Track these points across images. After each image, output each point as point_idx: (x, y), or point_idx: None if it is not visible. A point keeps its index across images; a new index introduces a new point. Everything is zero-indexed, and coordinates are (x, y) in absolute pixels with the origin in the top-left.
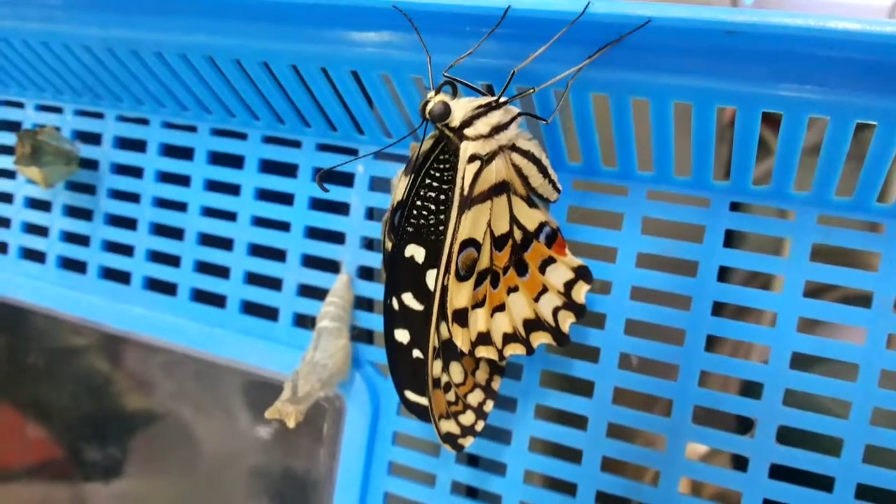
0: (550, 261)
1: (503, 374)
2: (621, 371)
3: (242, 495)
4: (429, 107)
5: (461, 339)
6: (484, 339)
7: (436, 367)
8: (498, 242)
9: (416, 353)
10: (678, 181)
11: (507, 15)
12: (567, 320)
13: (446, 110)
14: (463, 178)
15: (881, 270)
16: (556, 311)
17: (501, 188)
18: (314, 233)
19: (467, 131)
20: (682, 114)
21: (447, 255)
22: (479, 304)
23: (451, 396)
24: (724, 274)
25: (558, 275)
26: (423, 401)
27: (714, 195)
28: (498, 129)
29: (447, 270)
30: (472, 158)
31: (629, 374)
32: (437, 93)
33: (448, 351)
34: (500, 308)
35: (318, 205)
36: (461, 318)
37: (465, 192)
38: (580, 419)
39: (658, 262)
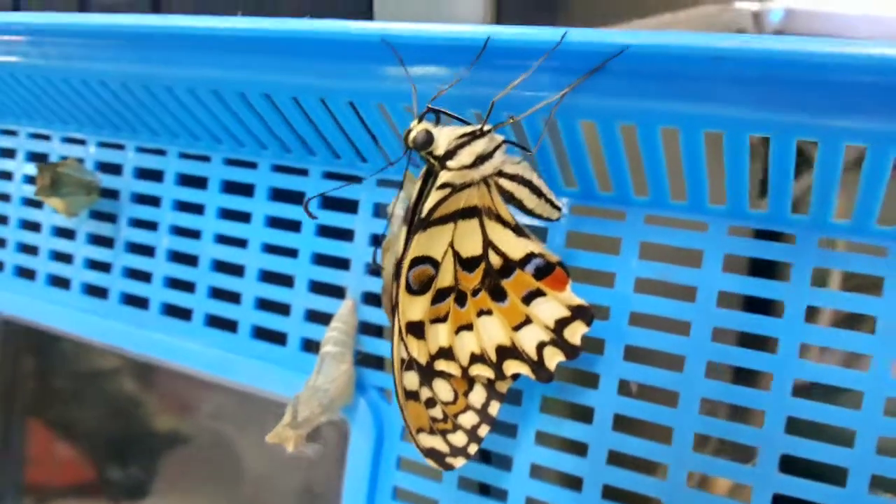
0: (538, 293)
1: (503, 401)
2: (620, 397)
3: None
4: (411, 135)
5: (416, 351)
6: (445, 354)
7: (408, 379)
8: (466, 264)
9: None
10: (675, 206)
11: (487, 46)
12: (555, 358)
13: (429, 138)
14: (424, 202)
15: (885, 295)
16: (541, 346)
17: (470, 213)
18: (321, 259)
19: (450, 163)
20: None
21: (396, 270)
22: (440, 319)
23: (437, 413)
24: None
25: (548, 310)
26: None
27: (712, 219)
28: (483, 158)
29: (397, 283)
30: (443, 186)
31: (629, 400)
32: (419, 121)
33: (433, 369)
34: (468, 328)
35: (324, 232)
36: (416, 330)
37: (423, 215)
38: (580, 446)
39: (657, 287)
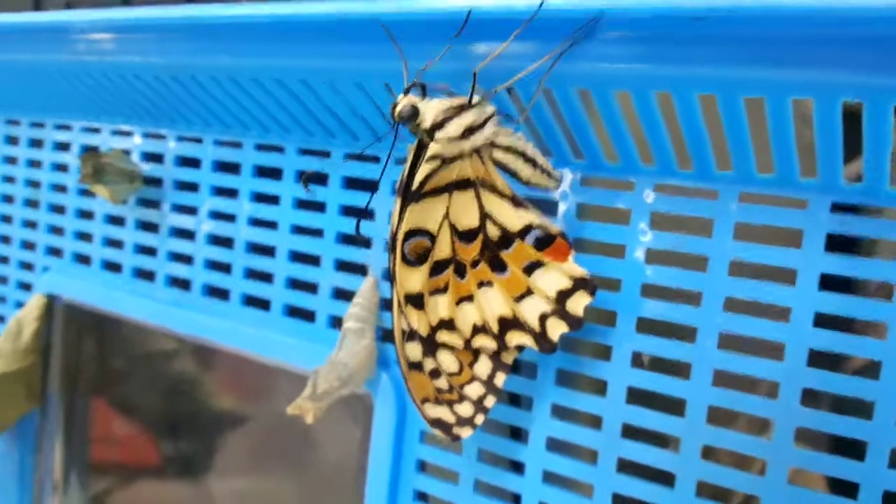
0: (539, 264)
1: (508, 372)
2: (633, 370)
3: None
4: (397, 109)
5: (417, 322)
6: (447, 325)
7: (411, 349)
8: (464, 236)
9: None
10: (683, 174)
11: (469, 19)
12: (557, 329)
13: (414, 112)
14: (413, 175)
15: None
16: (543, 318)
17: (464, 184)
18: (346, 238)
19: (438, 134)
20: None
21: (391, 241)
22: (440, 291)
23: (442, 383)
24: None
25: (549, 280)
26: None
27: (722, 186)
28: (472, 129)
29: (393, 255)
30: (433, 158)
31: (641, 372)
32: (405, 95)
33: (436, 340)
34: (469, 299)
35: (348, 212)
36: (415, 301)
37: (415, 187)
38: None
39: (671, 258)
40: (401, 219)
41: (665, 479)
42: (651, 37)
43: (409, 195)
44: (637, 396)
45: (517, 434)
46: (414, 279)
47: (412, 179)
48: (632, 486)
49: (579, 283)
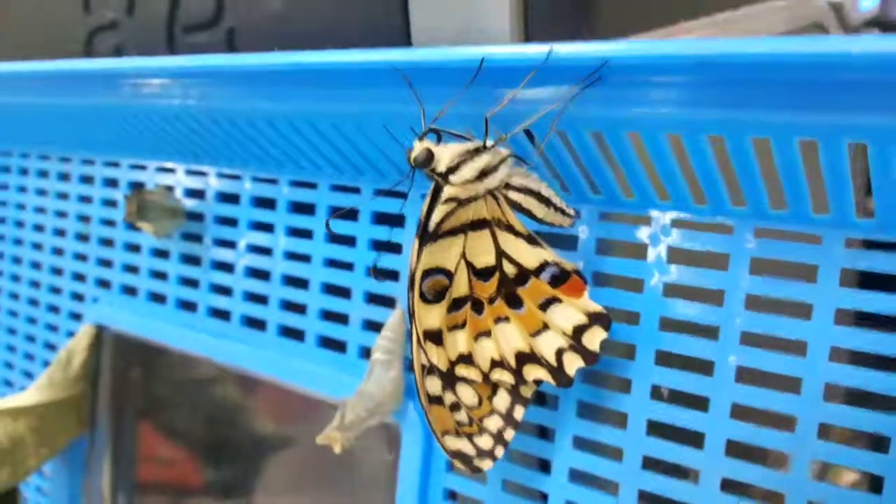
0: (554, 300)
1: (527, 405)
2: (652, 402)
3: None
4: (412, 155)
5: (436, 357)
6: (466, 359)
7: (431, 383)
8: (481, 274)
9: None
10: (698, 209)
11: (482, 66)
12: (574, 364)
13: (429, 157)
14: (431, 216)
15: None
16: (560, 352)
17: (480, 224)
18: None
19: (452, 178)
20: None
21: (409, 280)
22: (458, 326)
23: (461, 416)
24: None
25: (565, 316)
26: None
27: (737, 221)
28: (486, 172)
29: (412, 293)
30: (449, 200)
31: (660, 405)
32: (420, 140)
33: (455, 374)
34: (487, 334)
35: (377, 246)
36: (434, 337)
37: (431, 229)
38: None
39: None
40: (418, 258)
41: None
42: (656, 83)
43: (425, 236)
44: (657, 429)
45: (545, 465)
46: (432, 316)
47: (429, 220)
48: None
49: (595, 319)
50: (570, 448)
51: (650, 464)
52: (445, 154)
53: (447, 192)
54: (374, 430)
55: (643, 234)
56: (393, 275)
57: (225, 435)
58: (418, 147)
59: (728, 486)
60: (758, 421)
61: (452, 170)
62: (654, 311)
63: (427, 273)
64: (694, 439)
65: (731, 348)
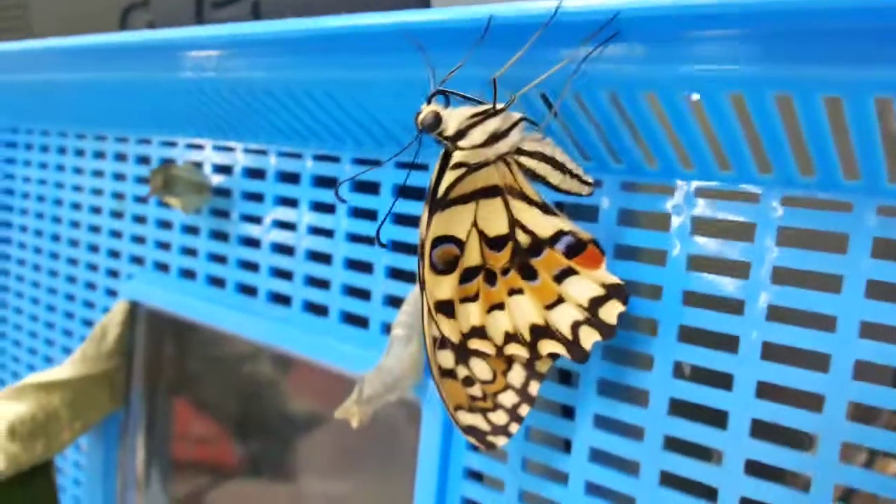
0: (570, 272)
1: (542, 380)
2: (675, 380)
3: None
4: (420, 118)
5: (448, 330)
6: (478, 333)
7: (443, 357)
8: (493, 243)
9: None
10: (723, 176)
11: (490, 25)
12: (591, 338)
13: (437, 120)
14: (441, 182)
15: None
16: (576, 326)
17: (492, 192)
18: (396, 246)
19: (461, 142)
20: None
21: (420, 249)
22: (471, 298)
23: (475, 391)
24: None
25: (581, 288)
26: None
27: (763, 189)
28: (497, 136)
29: (422, 262)
30: (458, 166)
31: (683, 383)
32: (428, 103)
33: (467, 348)
34: (500, 307)
35: (399, 220)
36: (445, 309)
37: (441, 195)
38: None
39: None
40: (428, 227)
41: (708, 493)
42: (670, 37)
43: (435, 203)
44: (679, 408)
45: (568, 445)
46: (443, 287)
47: (439, 187)
48: (673, 500)
49: (612, 291)
50: (590, 427)
51: (672, 444)
52: (454, 117)
53: (456, 157)
54: (407, 409)
55: (666, 204)
56: (414, 248)
57: (260, 413)
58: (426, 110)
59: (753, 468)
60: (785, 400)
61: (461, 134)
62: (677, 285)
63: (437, 242)
64: (718, 419)
65: (756, 324)
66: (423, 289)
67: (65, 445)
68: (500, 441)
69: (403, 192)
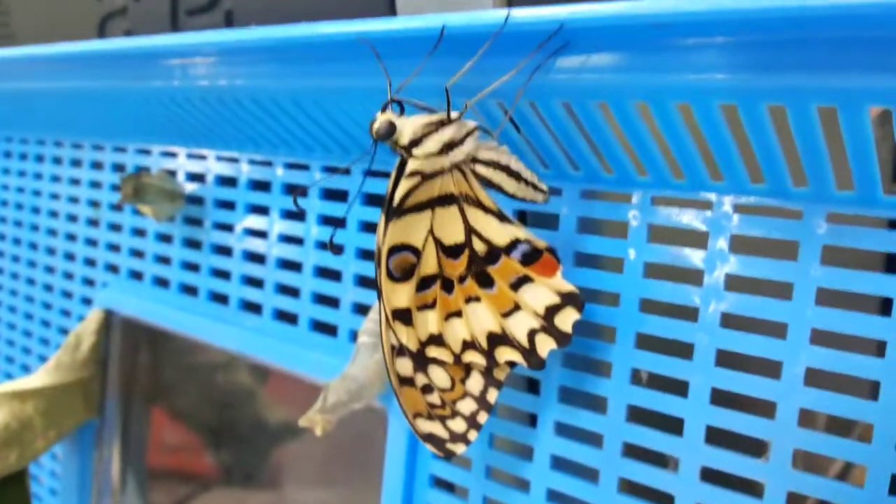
0: (526, 280)
1: (500, 388)
2: (633, 387)
3: None
4: (374, 126)
5: (406, 338)
6: (436, 340)
7: (401, 365)
8: (450, 251)
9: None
10: (677, 185)
11: (444, 34)
12: (546, 346)
13: (391, 129)
14: (396, 191)
15: None
16: (532, 334)
17: (448, 200)
18: (364, 254)
19: (416, 151)
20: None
21: (377, 257)
22: (428, 306)
23: (434, 399)
24: None
25: (537, 296)
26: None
27: (717, 196)
28: (451, 145)
29: (379, 270)
30: (413, 174)
31: (641, 390)
32: (383, 112)
33: (425, 355)
34: (458, 314)
35: (368, 228)
36: (403, 317)
37: (397, 203)
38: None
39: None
40: (384, 235)
41: (665, 500)
42: (618, 47)
43: (391, 211)
44: (638, 414)
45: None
46: (401, 295)
47: (395, 195)
48: None
49: (567, 299)
50: (552, 434)
51: (631, 451)
52: (408, 126)
53: (411, 165)
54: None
55: (623, 212)
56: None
57: (235, 422)
58: (380, 119)
59: (708, 475)
60: (740, 407)
61: (416, 142)
62: (635, 292)
63: (394, 250)
64: (675, 425)
65: (710, 331)
66: (380, 297)
67: (39, 454)
68: (459, 448)
69: (364, 199)
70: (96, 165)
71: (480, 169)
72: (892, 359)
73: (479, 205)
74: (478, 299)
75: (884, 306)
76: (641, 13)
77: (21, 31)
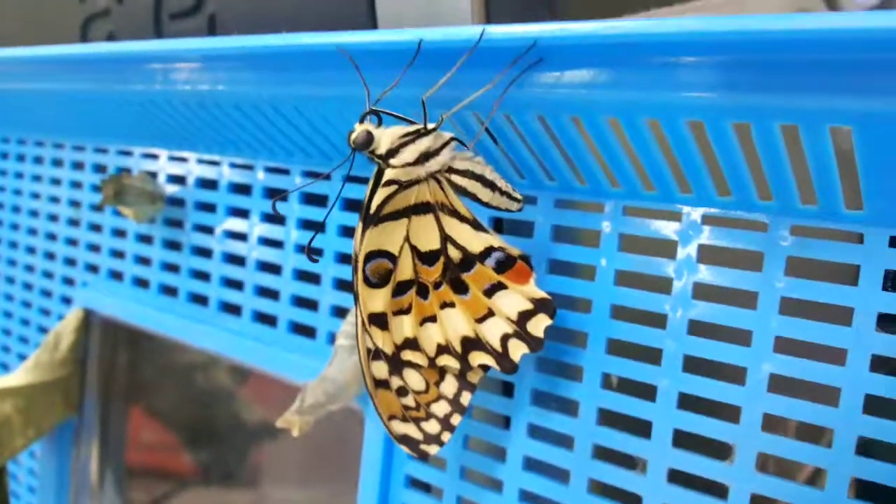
0: (500, 286)
1: (473, 391)
2: (604, 391)
3: None
4: (352, 136)
5: (381, 341)
6: (411, 344)
7: (377, 368)
8: (425, 258)
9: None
10: (647, 196)
11: (420, 49)
12: (518, 350)
13: (369, 139)
14: (373, 199)
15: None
16: (505, 339)
17: (424, 208)
18: (345, 258)
19: (393, 160)
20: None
21: (354, 263)
22: (404, 311)
23: (409, 401)
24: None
25: (510, 302)
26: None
27: (686, 207)
28: (428, 155)
29: (356, 276)
30: (390, 183)
31: (611, 393)
32: (361, 122)
33: (401, 359)
34: (433, 319)
35: (346, 232)
36: (379, 321)
37: (374, 211)
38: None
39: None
40: (362, 241)
41: (634, 501)
42: (592, 63)
43: (368, 218)
44: (608, 417)
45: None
46: (377, 300)
47: (372, 203)
48: None
49: (540, 305)
50: (524, 436)
51: (601, 453)
52: (385, 136)
53: (388, 174)
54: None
55: (596, 221)
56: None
57: (214, 421)
58: (358, 129)
59: (675, 477)
60: (706, 411)
61: (393, 152)
62: (606, 299)
63: (370, 256)
64: (644, 429)
65: (677, 337)
66: (356, 301)
67: (17, 452)
68: (433, 449)
69: (344, 204)
70: (77, 165)
71: (456, 178)
72: (853, 367)
73: (455, 213)
74: (452, 305)
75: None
76: (611, 33)
77: (2, 32)
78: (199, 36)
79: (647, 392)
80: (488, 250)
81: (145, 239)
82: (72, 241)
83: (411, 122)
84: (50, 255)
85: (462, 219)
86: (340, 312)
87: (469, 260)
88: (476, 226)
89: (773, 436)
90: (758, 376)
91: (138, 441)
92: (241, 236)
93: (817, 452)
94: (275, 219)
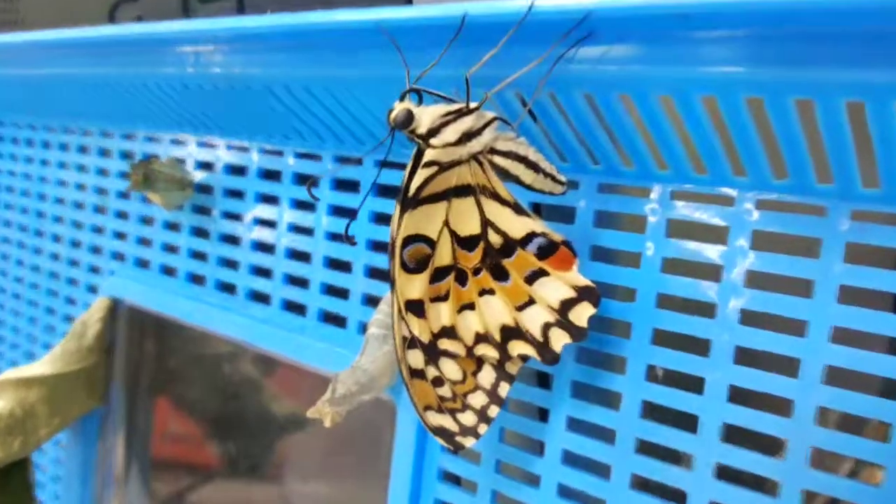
0: (541, 273)
1: (512, 382)
2: (648, 383)
3: None
4: (392, 115)
5: (418, 329)
6: (449, 333)
7: (413, 357)
8: (465, 243)
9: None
10: (698, 179)
11: (465, 23)
12: (560, 340)
13: (409, 117)
14: (412, 180)
15: None
16: (546, 328)
17: (464, 191)
18: (375, 245)
19: (433, 140)
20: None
21: (391, 248)
22: (441, 298)
23: (445, 392)
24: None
25: (552, 290)
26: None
27: (739, 191)
28: (469, 135)
29: (393, 261)
30: (430, 164)
31: (656, 386)
32: (401, 101)
33: (437, 348)
34: (471, 307)
35: (379, 219)
36: (416, 308)
37: (412, 193)
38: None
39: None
40: (399, 225)
41: (679, 497)
42: (644, 38)
43: (406, 201)
44: (651, 410)
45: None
46: (414, 286)
47: (410, 185)
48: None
49: (583, 293)
50: (563, 429)
51: (644, 447)
52: (426, 115)
53: (428, 155)
54: (389, 410)
55: (642, 206)
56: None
57: (241, 413)
58: (398, 107)
59: (723, 473)
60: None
61: (433, 132)
62: (652, 287)
63: (408, 241)
64: (689, 423)
65: (729, 327)
66: (393, 288)
67: (42, 442)
68: (469, 442)
69: (377, 190)
70: (104, 152)
71: (498, 160)
72: None
73: (496, 196)
74: (492, 292)
75: None
76: (667, 3)
77: (29, 17)
78: (227, 14)
79: (693, 384)
80: (530, 235)
81: (172, 226)
82: (98, 229)
83: (453, 101)
84: (76, 244)
85: (503, 202)
86: (372, 301)
87: (510, 245)
88: (518, 209)
89: (827, 430)
90: (814, 368)
91: (164, 432)
92: (271, 223)
93: (873, 447)
94: (305, 205)
